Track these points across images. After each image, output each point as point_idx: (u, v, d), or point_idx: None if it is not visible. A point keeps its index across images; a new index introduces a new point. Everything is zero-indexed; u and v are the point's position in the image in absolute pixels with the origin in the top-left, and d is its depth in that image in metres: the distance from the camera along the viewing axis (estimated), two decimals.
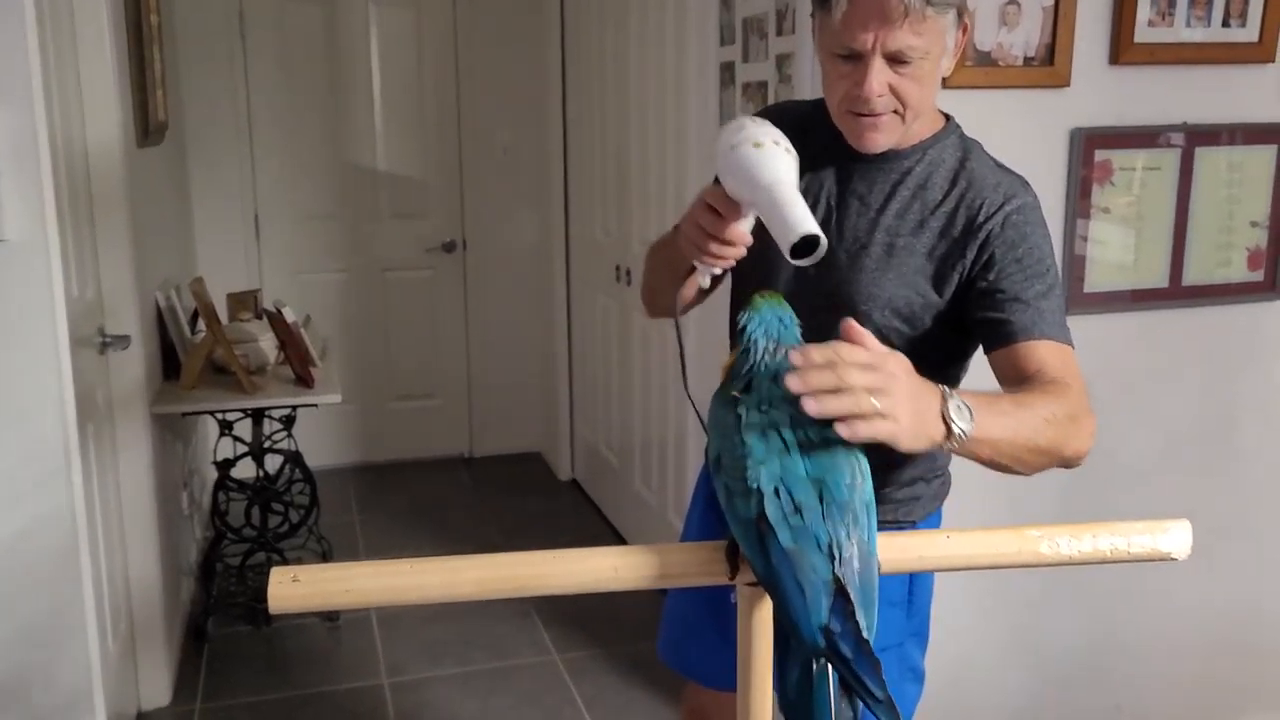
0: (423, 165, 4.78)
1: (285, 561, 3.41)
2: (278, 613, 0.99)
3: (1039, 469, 1.26)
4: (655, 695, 3.00)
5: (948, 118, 1.55)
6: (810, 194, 1.51)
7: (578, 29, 4.24)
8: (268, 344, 3.39)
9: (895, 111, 1.42)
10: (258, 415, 3.35)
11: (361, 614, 3.45)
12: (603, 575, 1.04)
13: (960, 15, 1.41)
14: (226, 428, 3.37)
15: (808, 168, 1.46)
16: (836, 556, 0.98)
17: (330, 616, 3.42)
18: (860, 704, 0.97)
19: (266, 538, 3.44)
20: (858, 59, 1.39)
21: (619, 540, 3.96)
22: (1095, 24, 2.22)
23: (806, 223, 1.22)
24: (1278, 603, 2.64)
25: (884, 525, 1.51)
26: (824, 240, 1.22)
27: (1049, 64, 2.20)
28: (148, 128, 3.12)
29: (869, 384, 1.01)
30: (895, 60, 1.38)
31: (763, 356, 1.07)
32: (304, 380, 3.25)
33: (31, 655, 2.19)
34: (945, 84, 2.08)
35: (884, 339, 1.46)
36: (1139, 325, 2.38)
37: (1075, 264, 2.29)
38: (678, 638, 1.83)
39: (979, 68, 2.15)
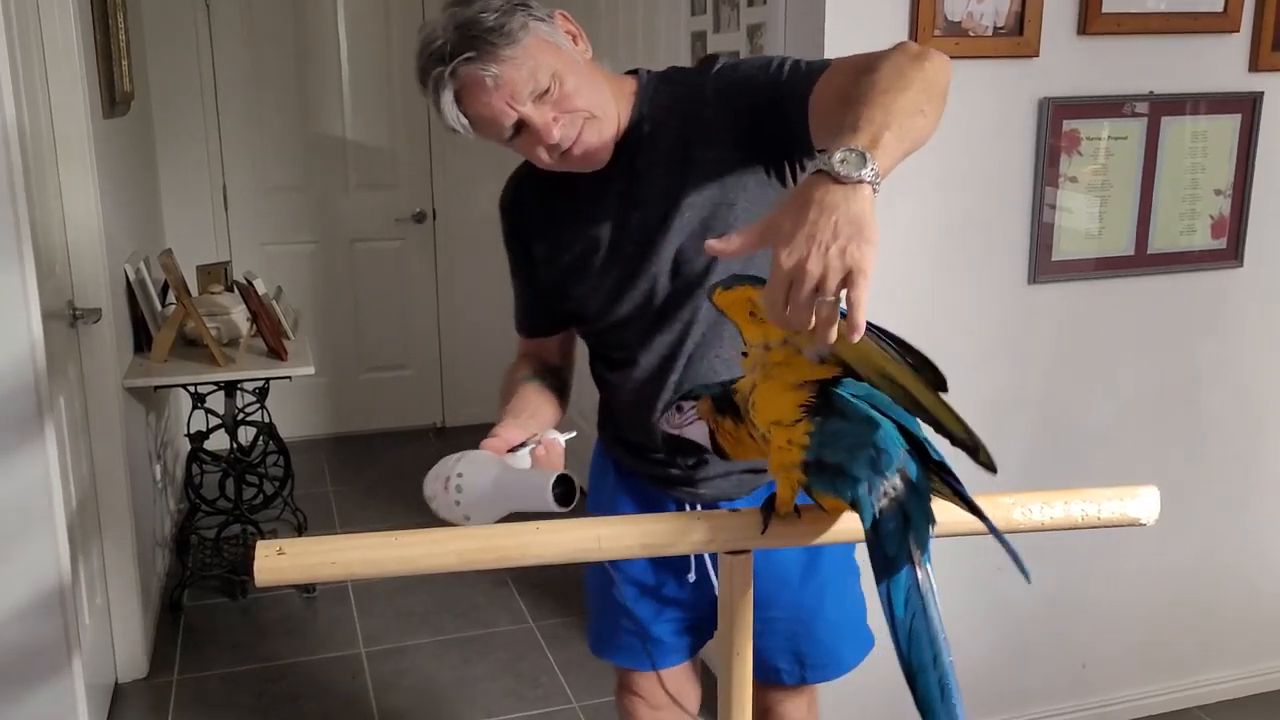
0: (391, 136, 4.74)
1: (260, 533, 3.42)
2: (264, 585, 1.00)
3: (938, 111, 1.18)
4: None
5: (635, 71, 1.55)
6: (592, 234, 1.52)
7: None
8: (239, 316, 3.37)
9: (587, 119, 1.42)
10: (230, 388, 3.33)
11: (338, 585, 3.46)
12: (585, 545, 1.05)
13: (548, 20, 1.40)
14: (199, 400, 3.36)
15: (585, 220, 1.52)
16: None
17: (307, 588, 3.43)
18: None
19: (241, 510, 3.43)
20: (521, 127, 1.40)
21: None
22: None
23: (549, 482, 1.19)
24: (1237, 565, 2.71)
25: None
26: (574, 480, 1.20)
27: (1018, 34, 2.21)
28: (114, 98, 3.08)
29: (816, 289, 0.93)
30: (543, 97, 1.38)
31: None
32: (276, 352, 3.24)
33: (8, 628, 2.19)
34: None
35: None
36: (1105, 293, 2.41)
37: (1043, 232, 2.32)
38: (603, 630, 1.87)
39: (949, 37, 2.16)
